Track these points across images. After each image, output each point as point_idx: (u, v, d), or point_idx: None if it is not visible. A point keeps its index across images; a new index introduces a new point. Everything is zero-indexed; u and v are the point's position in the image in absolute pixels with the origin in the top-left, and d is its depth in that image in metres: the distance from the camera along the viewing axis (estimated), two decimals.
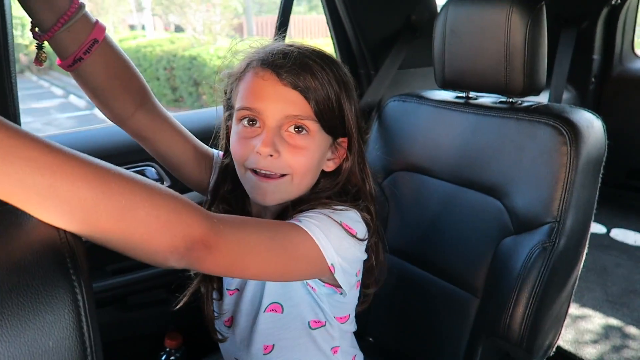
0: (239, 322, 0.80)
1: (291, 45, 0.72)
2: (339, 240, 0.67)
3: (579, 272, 1.04)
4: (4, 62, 0.42)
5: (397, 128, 1.21)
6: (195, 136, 0.86)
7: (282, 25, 1.45)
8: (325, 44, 5.78)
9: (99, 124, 1.41)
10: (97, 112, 7.42)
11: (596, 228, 2.44)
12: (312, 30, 10.46)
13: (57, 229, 0.41)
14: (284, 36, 1.48)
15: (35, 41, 0.64)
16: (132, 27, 12.17)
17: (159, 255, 0.47)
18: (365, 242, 0.73)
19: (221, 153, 0.86)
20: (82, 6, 0.66)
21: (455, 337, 1.04)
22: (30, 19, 0.63)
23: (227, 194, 0.81)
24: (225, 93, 0.79)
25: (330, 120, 0.72)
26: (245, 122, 0.72)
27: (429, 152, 1.13)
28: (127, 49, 7.96)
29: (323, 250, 0.65)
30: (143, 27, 11.47)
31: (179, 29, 10.56)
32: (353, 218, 0.72)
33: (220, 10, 8.85)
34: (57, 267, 0.38)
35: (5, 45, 0.42)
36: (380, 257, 0.81)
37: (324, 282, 0.74)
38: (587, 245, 1.03)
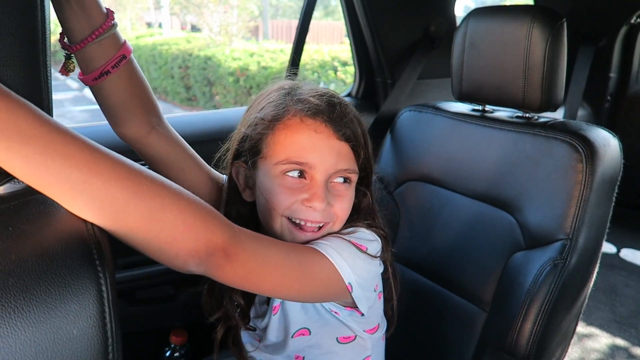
0: (267, 344, 0.80)
1: (326, 92, 0.72)
2: (352, 259, 0.68)
3: (589, 291, 1.03)
4: (42, 56, 0.43)
5: (411, 138, 1.21)
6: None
7: (302, 30, 1.46)
8: (341, 50, 5.80)
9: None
10: None
11: (606, 247, 2.42)
12: (327, 36, 10.51)
13: (85, 221, 0.42)
14: (302, 43, 1.49)
15: (64, 50, 0.66)
16: (149, 25, 12.31)
17: (179, 258, 0.48)
18: (378, 256, 0.74)
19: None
20: (115, 24, 0.67)
21: (461, 350, 1.04)
22: (60, 28, 0.65)
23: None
24: (246, 138, 0.74)
25: (366, 168, 0.76)
26: (293, 174, 0.70)
27: (442, 164, 1.13)
28: (144, 46, 8.05)
29: (339, 269, 0.65)
30: (160, 25, 11.59)
31: (195, 28, 10.66)
32: (362, 237, 0.73)
33: (237, 12, 8.92)
34: (84, 258, 0.39)
35: (43, 39, 0.44)
36: (395, 271, 0.82)
37: (344, 306, 0.74)
38: (598, 264, 1.02)
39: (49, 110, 0.46)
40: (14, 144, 0.37)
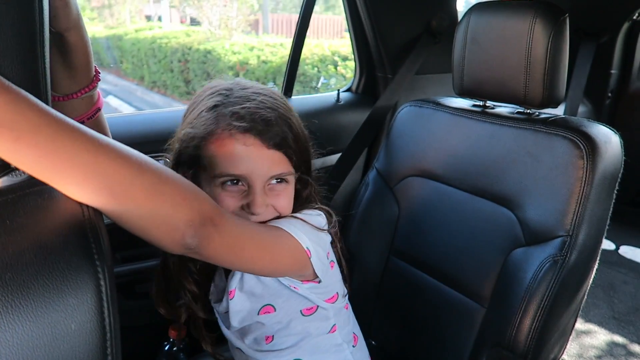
0: (234, 325, 0.83)
1: (255, 98, 0.75)
2: (303, 227, 0.75)
3: (588, 288, 1.03)
4: (40, 50, 0.43)
5: (411, 133, 1.21)
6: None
7: (303, 24, 1.45)
8: (341, 44, 5.78)
9: (111, 112, 1.42)
10: (109, 100, 7.47)
11: (605, 244, 2.42)
12: (327, 30, 10.47)
13: (82, 213, 0.42)
14: (303, 38, 1.48)
15: None
16: (148, 18, 12.25)
17: (179, 230, 0.51)
18: (325, 229, 0.81)
19: None
20: (96, 86, 0.74)
21: (459, 346, 1.04)
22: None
23: None
24: (180, 150, 0.78)
25: (304, 165, 0.80)
26: (231, 183, 0.75)
27: (442, 159, 1.13)
28: (143, 40, 8.01)
29: (298, 238, 0.72)
30: (159, 18, 11.53)
31: (195, 22, 10.60)
32: (306, 213, 0.81)
33: (237, 5, 8.88)
34: (82, 251, 0.38)
35: (41, 32, 0.43)
36: (341, 245, 0.89)
37: (302, 281, 0.79)
38: (597, 261, 1.02)
39: (47, 102, 0.45)
40: (24, 133, 0.38)
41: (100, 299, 0.37)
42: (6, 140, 0.38)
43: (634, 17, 2.37)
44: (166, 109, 1.60)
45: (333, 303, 0.85)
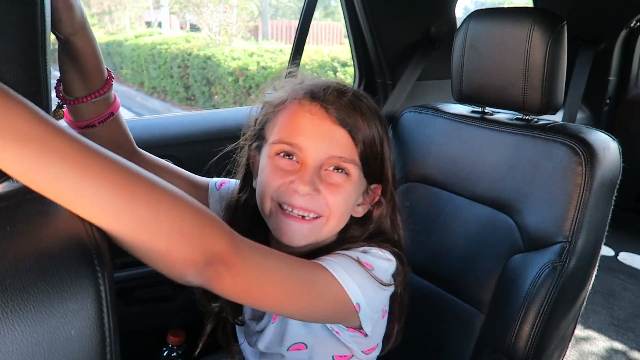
0: (259, 347, 0.77)
1: (338, 82, 0.70)
2: (361, 278, 0.64)
3: (587, 294, 1.03)
4: (41, 55, 0.43)
5: (411, 139, 1.21)
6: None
7: (303, 30, 1.46)
8: (340, 50, 5.80)
9: None
10: None
11: (604, 250, 2.42)
12: (327, 37, 10.52)
13: (82, 219, 0.42)
14: (302, 44, 1.49)
15: (57, 99, 0.70)
16: (148, 24, 12.30)
17: (176, 268, 0.45)
18: (390, 283, 0.70)
19: (218, 181, 0.85)
20: (110, 90, 0.71)
21: (459, 352, 1.04)
22: (59, 78, 0.68)
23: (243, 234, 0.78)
24: (256, 122, 0.75)
25: (372, 166, 0.70)
26: (285, 156, 0.68)
27: (442, 165, 1.13)
28: (143, 46, 8.04)
29: (347, 289, 0.62)
30: (159, 24, 11.58)
31: (195, 28, 10.65)
32: (375, 254, 0.69)
33: (236, 12, 8.92)
34: (82, 256, 0.38)
35: (43, 37, 0.43)
36: (404, 302, 0.80)
37: (347, 327, 0.70)
38: (596, 267, 1.02)
39: (47, 108, 0.45)
40: (10, 143, 0.36)
41: (100, 304, 0.37)
42: None
43: (632, 25, 2.38)
44: (166, 115, 1.60)
45: (370, 354, 0.78)
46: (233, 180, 0.85)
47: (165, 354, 1.20)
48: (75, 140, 0.39)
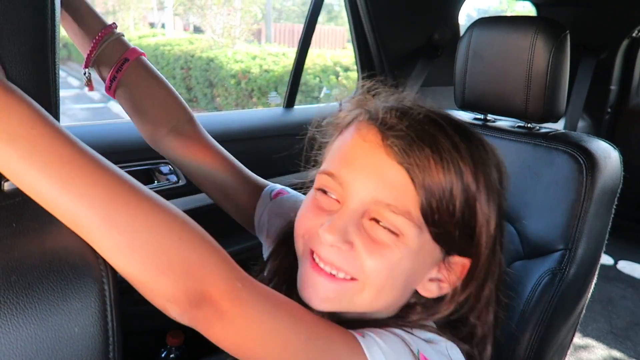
0: None
1: (421, 107, 0.52)
2: None
3: (586, 302, 1.03)
4: (50, 54, 0.44)
5: None
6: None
7: (307, 35, 1.47)
8: (343, 55, 5.81)
9: (113, 117, 1.42)
10: (111, 105, 7.49)
11: (603, 259, 2.42)
12: (330, 41, 10.55)
13: None
14: (307, 48, 1.49)
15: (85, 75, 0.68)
16: (152, 25, 12.33)
17: (157, 300, 0.41)
18: None
19: (276, 189, 0.74)
20: (116, 32, 0.67)
21: None
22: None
23: (285, 268, 0.61)
24: (321, 147, 0.61)
25: (445, 227, 0.49)
26: (321, 191, 0.53)
27: None
28: (146, 46, 8.06)
29: None
30: (163, 26, 11.61)
31: (198, 30, 10.68)
32: (441, 352, 0.50)
33: (240, 14, 8.95)
34: (87, 255, 0.39)
35: (52, 36, 0.44)
36: None
37: None
38: (596, 276, 1.02)
39: (56, 107, 0.46)
40: (1, 143, 0.35)
41: (104, 303, 0.38)
42: None
43: (634, 34, 2.39)
44: None
45: None
46: (294, 193, 0.74)
47: (164, 354, 1.20)
48: (67, 146, 0.38)
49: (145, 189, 0.41)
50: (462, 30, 1.68)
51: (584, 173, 0.91)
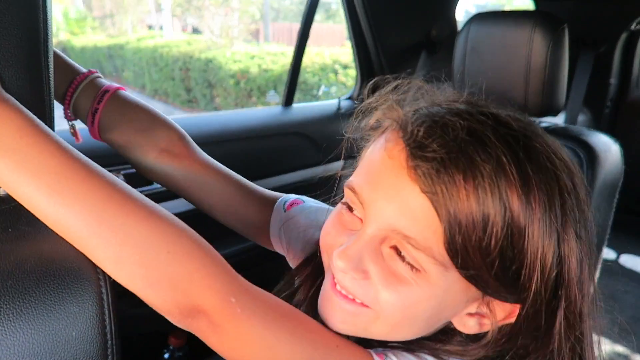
0: None
1: (471, 114, 0.41)
2: None
3: None
4: (44, 57, 0.43)
5: None
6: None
7: (304, 33, 1.46)
8: (342, 53, 5.81)
9: None
10: None
11: (606, 253, 2.41)
12: (328, 39, 10.54)
13: None
14: (304, 45, 1.49)
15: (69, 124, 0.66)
16: (150, 27, 12.33)
17: (154, 307, 0.41)
18: None
19: (290, 199, 0.69)
20: (88, 76, 0.64)
21: None
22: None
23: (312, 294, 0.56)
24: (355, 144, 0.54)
25: (479, 270, 0.40)
26: (345, 206, 0.48)
27: None
28: (145, 49, 8.06)
29: None
30: (161, 28, 11.61)
31: (196, 31, 10.68)
32: None
33: (238, 14, 8.95)
34: (84, 259, 0.38)
35: (45, 40, 0.43)
36: None
37: None
38: (598, 270, 1.02)
39: (50, 111, 0.45)
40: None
41: (102, 306, 0.37)
42: None
43: (632, 28, 2.38)
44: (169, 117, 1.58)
45: None
46: (313, 203, 0.69)
47: (166, 356, 1.20)
48: (57, 156, 0.38)
49: (141, 197, 0.41)
50: (459, 26, 1.67)
51: (584, 167, 0.91)
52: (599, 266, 1.01)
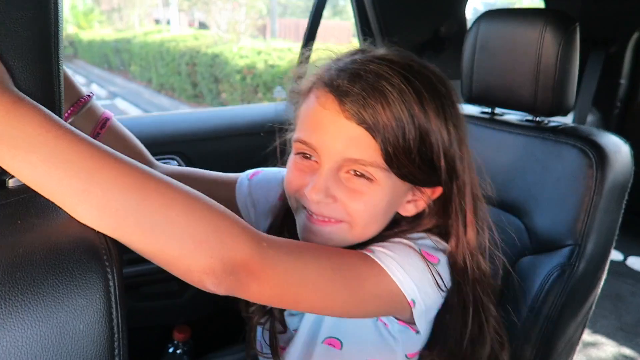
0: (290, 351, 0.70)
1: (369, 59, 0.58)
2: (419, 273, 0.57)
3: (596, 298, 1.02)
4: (54, 51, 0.43)
5: None
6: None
7: (312, 29, 1.46)
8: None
9: (119, 114, 1.43)
10: (117, 102, 7.51)
11: (613, 255, 2.39)
12: (335, 36, 10.51)
13: None
14: (312, 43, 1.48)
15: None
16: (157, 22, 12.35)
17: (193, 275, 0.43)
18: (449, 281, 0.62)
19: (252, 171, 0.80)
20: (91, 99, 0.72)
21: None
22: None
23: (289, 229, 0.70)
24: (294, 111, 0.68)
25: (408, 167, 0.57)
26: (300, 155, 0.61)
27: None
28: (152, 43, 8.08)
29: (400, 285, 0.56)
30: (168, 22, 11.63)
31: (203, 25, 10.69)
32: (432, 246, 0.61)
33: (245, 10, 8.94)
34: (92, 252, 0.38)
35: (56, 33, 0.43)
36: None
37: (397, 319, 0.64)
38: (606, 272, 1.01)
39: (59, 106, 0.45)
40: (20, 151, 0.37)
41: (109, 299, 0.37)
42: (4, 155, 0.38)
43: None
44: (175, 112, 1.60)
45: (412, 359, 0.70)
46: (272, 169, 0.80)
47: (170, 350, 1.20)
48: (84, 143, 0.40)
49: (163, 177, 0.44)
50: (468, 24, 1.66)
51: (594, 167, 0.90)
52: (606, 268, 1.01)
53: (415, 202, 0.64)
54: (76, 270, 0.37)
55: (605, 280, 1.02)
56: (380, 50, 0.62)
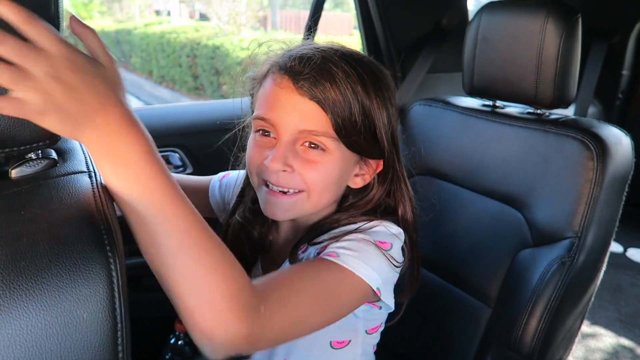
0: None
1: (317, 47, 0.67)
2: (378, 262, 0.64)
3: (595, 290, 1.03)
4: None
5: (420, 132, 1.21)
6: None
7: (314, 21, 1.45)
8: (350, 42, 5.76)
9: None
10: None
11: (613, 246, 2.40)
12: (336, 27, 10.45)
13: (96, 205, 0.42)
14: (313, 35, 1.48)
15: None
16: (157, 13, 12.28)
17: (198, 333, 0.48)
18: (401, 263, 0.70)
19: (222, 174, 0.89)
20: None
21: (465, 345, 1.04)
22: None
23: (250, 204, 0.78)
24: (252, 96, 0.75)
25: (354, 137, 0.66)
26: (262, 132, 0.68)
27: (451, 159, 1.13)
28: (152, 34, 8.03)
29: (367, 279, 0.62)
30: (169, 13, 11.56)
31: (204, 17, 10.62)
32: (384, 233, 0.68)
33: (246, 1, 8.88)
34: (95, 242, 0.39)
35: (57, 24, 0.43)
36: (414, 272, 0.79)
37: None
38: (605, 263, 1.01)
39: None
40: (121, 169, 0.42)
41: (112, 289, 0.38)
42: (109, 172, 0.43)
43: None
44: (175, 104, 1.60)
45: (372, 334, 0.78)
46: (240, 170, 0.86)
47: (172, 341, 1.21)
48: (167, 174, 0.45)
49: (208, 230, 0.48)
50: (470, 15, 1.65)
51: (595, 160, 0.90)
52: (606, 260, 1.01)
53: (363, 175, 0.73)
54: (79, 260, 0.37)
55: (605, 271, 1.02)
56: (327, 43, 0.71)
